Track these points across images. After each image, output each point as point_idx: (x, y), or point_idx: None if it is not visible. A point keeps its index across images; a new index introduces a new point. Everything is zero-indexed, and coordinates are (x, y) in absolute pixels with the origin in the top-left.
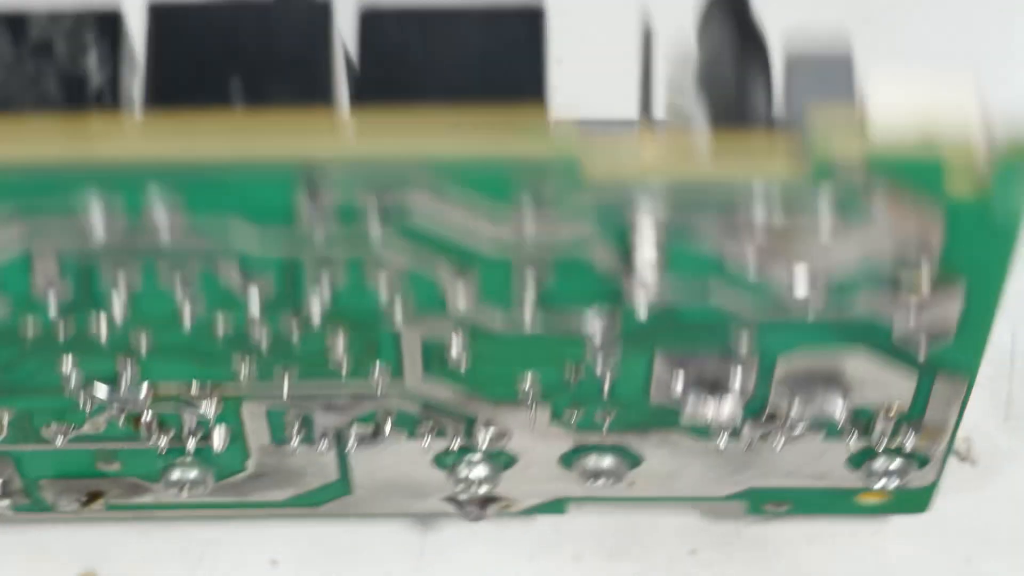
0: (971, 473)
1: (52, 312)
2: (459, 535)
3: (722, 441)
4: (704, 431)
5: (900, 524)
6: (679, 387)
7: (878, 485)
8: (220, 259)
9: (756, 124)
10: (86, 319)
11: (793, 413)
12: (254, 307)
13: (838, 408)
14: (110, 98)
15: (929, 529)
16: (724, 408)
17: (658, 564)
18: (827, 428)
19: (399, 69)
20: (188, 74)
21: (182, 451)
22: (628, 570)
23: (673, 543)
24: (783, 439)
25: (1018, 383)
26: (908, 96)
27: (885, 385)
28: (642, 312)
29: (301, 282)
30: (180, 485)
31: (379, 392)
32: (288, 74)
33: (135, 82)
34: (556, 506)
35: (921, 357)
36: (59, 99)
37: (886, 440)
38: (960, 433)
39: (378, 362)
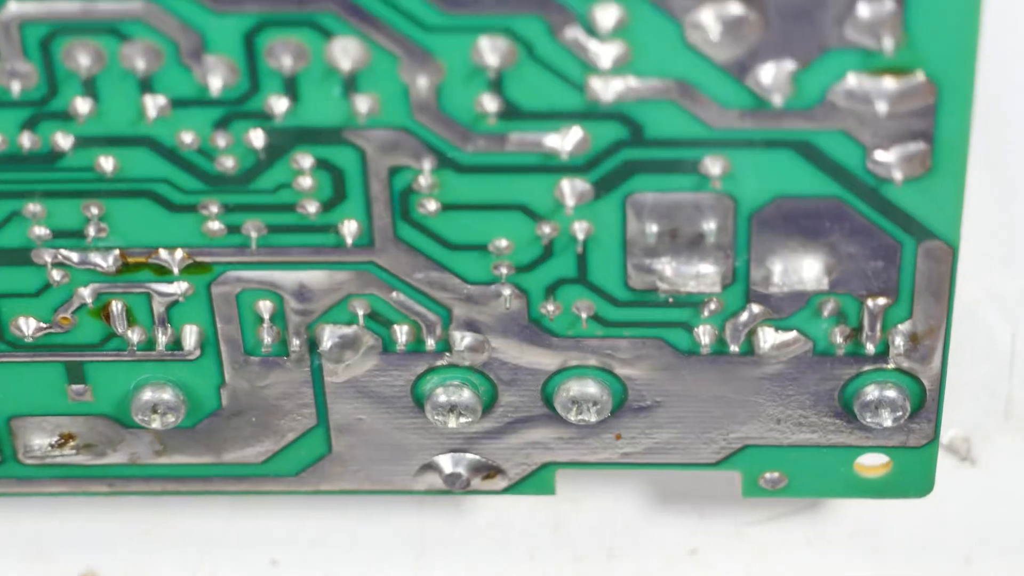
0: (971, 473)
1: (15, 92)
2: (459, 535)
3: (705, 339)
4: (688, 339)
5: (900, 524)
6: (654, 238)
7: (872, 420)
8: (181, 33)
9: None
10: (51, 130)
11: (774, 280)
12: (215, 85)
13: (817, 273)
14: None
15: (929, 529)
16: (703, 269)
17: (658, 564)
18: (815, 341)
19: None
20: None
21: (154, 367)
22: (628, 570)
23: (673, 543)
24: (770, 340)
25: (1018, 383)
26: None
27: (866, 257)
28: (607, 94)
29: (261, 62)
30: (151, 407)
31: (349, 243)
32: None
33: None
34: (543, 481)
35: (896, 180)
36: None
37: (874, 346)
38: (960, 433)
39: (348, 219)
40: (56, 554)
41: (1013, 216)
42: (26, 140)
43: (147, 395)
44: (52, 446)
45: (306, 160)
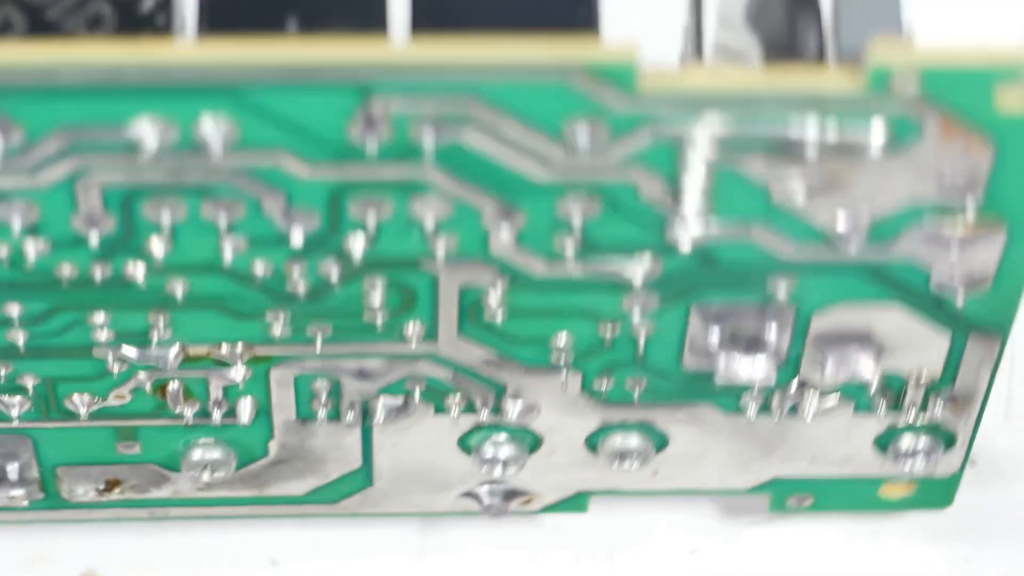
0: (971, 473)
1: (93, 242)
2: (460, 535)
3: (752, 410)
4: (734, 403)
5: (900, 524)
6: (715, 340)
7: (905, 467)
8: (266, 192)
9: (807, 60)
10: (124, 262)
11: (826, 372)
12: (297, 238)
13: (870, 369)
14: (163, 22)
15: (929, 529)
16: (758, 365)
17: (658, 564)
18: (857, 401)
19: (453, 3)
20: (243, 1)
21: (205, 430)
22: (628, 570)
23: (673, 543)
24: (814, 408)
25: (1018, 383)
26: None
27: (918, 347)
28: (685, 245)
29: (345, 215)
30: (202, 466)
31: (413, 346)
32: (345, 4)
33: (188, 9)
34: (578, 502)
35: (959, 301)
36: (111, 23)
37: (915, 410)
38: None
39: (413, 321)
40: (57, 555)
41: None
42: (98, 272)
43: (197, 455)
44: (98, 491)
45: (378, 281)
